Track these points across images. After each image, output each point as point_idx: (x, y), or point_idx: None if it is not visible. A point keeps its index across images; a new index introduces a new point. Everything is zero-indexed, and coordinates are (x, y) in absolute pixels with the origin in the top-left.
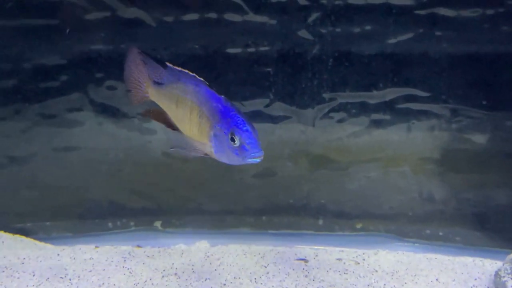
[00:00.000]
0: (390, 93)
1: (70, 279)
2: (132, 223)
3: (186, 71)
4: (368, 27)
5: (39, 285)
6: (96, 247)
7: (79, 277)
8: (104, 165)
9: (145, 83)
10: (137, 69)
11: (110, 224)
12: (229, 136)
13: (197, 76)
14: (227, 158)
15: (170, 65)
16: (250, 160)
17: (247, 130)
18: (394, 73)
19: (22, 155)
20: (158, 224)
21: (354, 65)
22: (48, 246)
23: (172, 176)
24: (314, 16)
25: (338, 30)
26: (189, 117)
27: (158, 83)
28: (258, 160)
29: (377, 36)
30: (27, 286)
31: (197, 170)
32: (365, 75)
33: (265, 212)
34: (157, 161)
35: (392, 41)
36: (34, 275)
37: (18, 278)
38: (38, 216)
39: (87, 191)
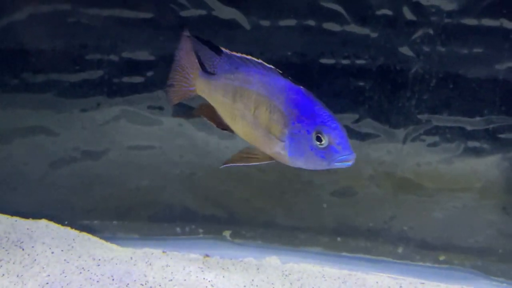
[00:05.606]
0: (494, 121)
1: (151, 287)
2: (200, 230)
3: (249, 57)
4: (479, 50)
5: None
6: (163, 252)
7: (160, 285)
8: (177, 168)
9: (193, 74)
10: (187, 59)
11: (178, 229)
12: (314, 135)
13: (264, 63)
14: (306, 162)
15: (226, 51)
16: (338, 164)
17: (337, 128)
18: (503, 101)
19: (96, 150)
20: (227, 233)
21: (458, 88)
22: (114, 247)
23: (248, 185)
24: (420, 32)
25: (444, 49)
26: (252, 112)
27: (208, 73)
28: (349, 163)
29: (489, 61)
30: None
31: (275, 181)
32: (469, 100)
33: (340, 233)
34: (233, 168)
35: (504, 67)
36: (113, 279)
37: (97, 281)
38: (106, 215)
39: (158, 193)
